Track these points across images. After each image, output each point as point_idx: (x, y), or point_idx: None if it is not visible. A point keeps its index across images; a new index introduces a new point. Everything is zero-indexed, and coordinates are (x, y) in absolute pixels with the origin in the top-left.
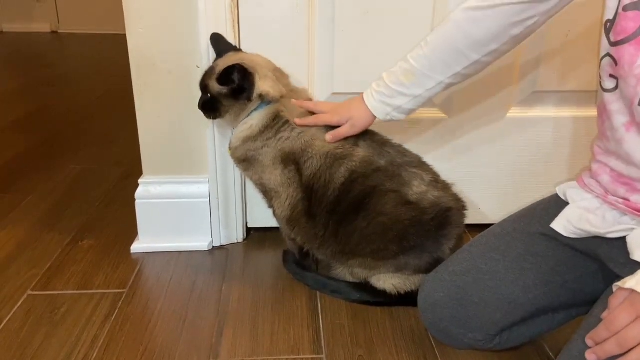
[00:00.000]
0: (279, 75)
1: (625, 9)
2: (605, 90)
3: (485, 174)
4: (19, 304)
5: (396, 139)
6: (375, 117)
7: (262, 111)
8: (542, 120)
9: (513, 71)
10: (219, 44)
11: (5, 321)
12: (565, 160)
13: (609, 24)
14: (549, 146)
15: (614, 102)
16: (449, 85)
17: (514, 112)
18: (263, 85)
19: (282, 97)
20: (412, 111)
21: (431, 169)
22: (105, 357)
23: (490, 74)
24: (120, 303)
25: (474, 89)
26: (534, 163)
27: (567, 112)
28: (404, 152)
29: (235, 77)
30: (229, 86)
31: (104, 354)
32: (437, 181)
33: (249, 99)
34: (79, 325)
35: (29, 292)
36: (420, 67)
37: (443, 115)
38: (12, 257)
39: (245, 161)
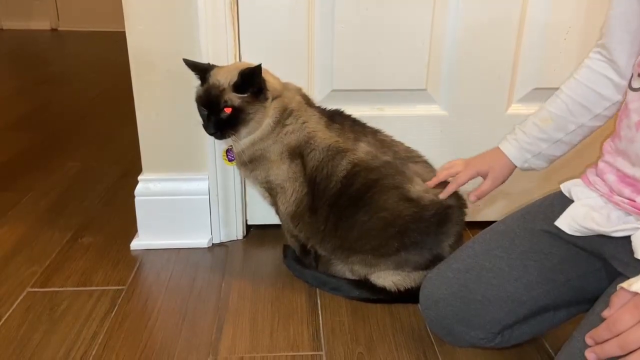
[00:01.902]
0: (267, 71)
1: None
2: (631, 89)
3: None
4: (19, 301)
5: (397, 137)
6: (513, 166)
7: (271, 107)
8: None
9: (514, 68)
10: (196, 66)
11: (4, 318)
12: (565, 157)
13: None
14: None
15: (634, 101)
16: (591, 128)
17: (515, 109)
18: (270, 79)
19: (283, 89)
20: (552, 158)
21: (432, 166)
22: (105, 353)
23: (490, 70)
24: (120, 300)
25: (474, 86)
26: None
27: None
28: (406, 149)
29: (256, 78)
30: (248, 92)
31: (104, 350)
32: None
33: (267, 97)
34: (79, 322)
35: (29, 289)
36: (559, 112)
37: (444, 112)
38: (12, 254)
39: (252, 162)
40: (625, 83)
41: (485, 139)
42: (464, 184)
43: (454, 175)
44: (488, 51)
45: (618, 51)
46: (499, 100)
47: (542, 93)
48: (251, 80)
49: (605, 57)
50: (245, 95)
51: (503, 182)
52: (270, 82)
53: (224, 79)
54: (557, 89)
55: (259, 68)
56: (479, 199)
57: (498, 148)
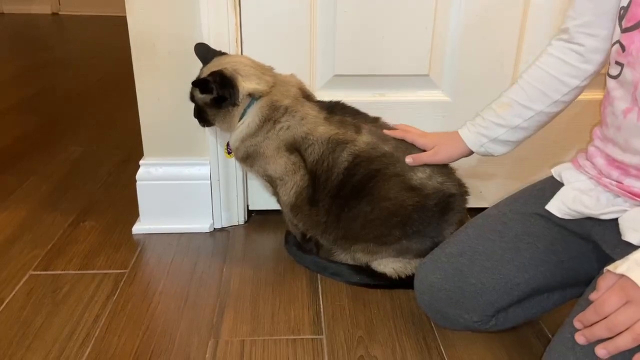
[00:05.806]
0: (262, 69)
1: None
2: (610, 77)
3: (487, 157)
4: (21, 284)
5: (399, 122)
6: (467, 149)
7: (255, 107)
8: None
9: (517, 54)
10: (204, 52)
11: (7, 301)
12: (568, 143)
13: (622, 10)
14: (552, 130)
15: (616, 89)
16: (549, 115)
17: None
18: (248, 84)
19: (272, 87)
20: (509, 144)
21: None
22: (107, 336)
23: (493, 57)
24: (122, 283)
25: (477, 72)
26: (536, 146)
27: None
28: None
29: (214, 86)
30: (209, 95)
31: (106, 333)
32: (441, 165)
33: (234, 104)
34: (81, 305)
35: (31, 272)
36: (517, 98)
37: (447, 98)
38: (14, 237)
39: (248, 158)
40: (587, 68)
41: None
42: (409, 141)
43: (408, 138)
44: (491, 37)
45: (585, 35)
46: (502, 87)
47: None
48: (206, 86)
49: (566, 41)
50: (206, 97)
51: (444, 161)
52: (251, 87)
53: (207, 70)
54: None
55: (207, 78)
56: (414, 163)
57: (457, 131)
